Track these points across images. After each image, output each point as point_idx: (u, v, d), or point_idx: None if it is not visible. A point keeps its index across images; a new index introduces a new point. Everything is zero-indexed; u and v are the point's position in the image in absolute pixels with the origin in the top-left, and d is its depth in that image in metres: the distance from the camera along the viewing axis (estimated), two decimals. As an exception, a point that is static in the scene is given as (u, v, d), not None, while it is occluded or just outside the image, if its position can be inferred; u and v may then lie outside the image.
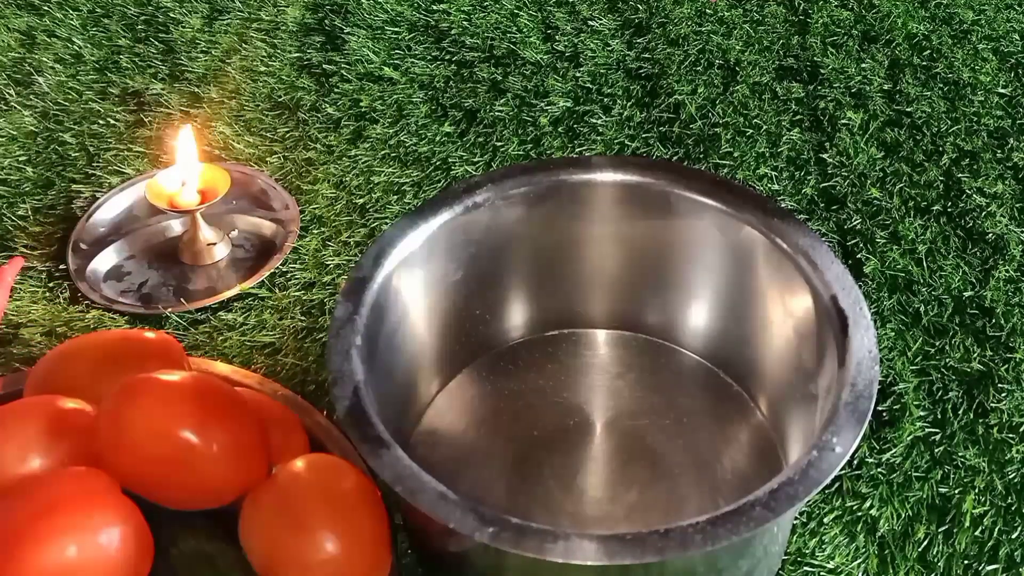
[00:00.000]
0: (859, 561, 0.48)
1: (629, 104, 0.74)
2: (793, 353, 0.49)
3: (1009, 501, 0.50)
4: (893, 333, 0.58)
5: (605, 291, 0.56)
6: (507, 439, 0.52)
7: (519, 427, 0.53)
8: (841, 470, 0.51)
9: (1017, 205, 0.65)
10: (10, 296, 0.61)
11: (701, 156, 0.70)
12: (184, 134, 0.64)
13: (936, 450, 0.52)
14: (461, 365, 0.55)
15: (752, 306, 0.51)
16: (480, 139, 0.72)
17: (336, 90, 0.76)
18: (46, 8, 0.86)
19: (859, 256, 0.62)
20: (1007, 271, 0.61)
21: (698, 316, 0.55)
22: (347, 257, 0.64)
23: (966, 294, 0.60)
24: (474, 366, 0.56)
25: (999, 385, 0.55)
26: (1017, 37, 0.79)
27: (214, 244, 0.65)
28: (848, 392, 0.41)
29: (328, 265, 0.63)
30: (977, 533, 0.49)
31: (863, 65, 0.77)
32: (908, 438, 0.53)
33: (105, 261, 0.65)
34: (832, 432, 0.40)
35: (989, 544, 0.49)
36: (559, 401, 0.54)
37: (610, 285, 0.56)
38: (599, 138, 0.72)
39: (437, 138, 0.72)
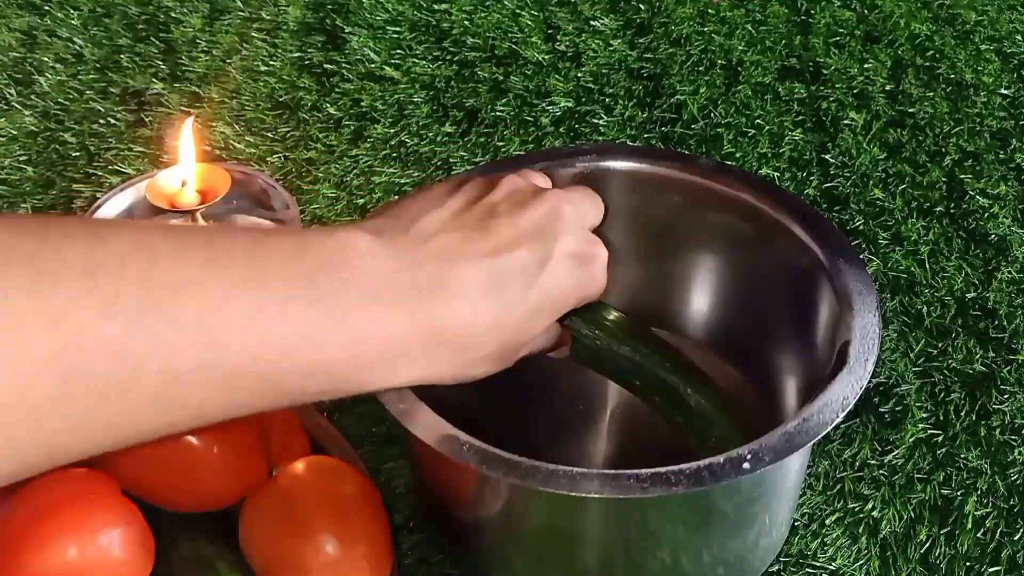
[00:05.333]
0: (861, 563, 0.48)
1: (631, 104, 0.74)
2: (802, 344, 0.49)
3: (1011, 503, 0.50)
4: (895, 334, 0.58)
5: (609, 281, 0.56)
6: (513, 425, 0.52)
7: (525, 414, 0.52)
8: (843, 472, 0.51)
9: (1020, 206, 0.65)
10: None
11: (703, 156, 0.70)
12: (185, 129, 0.64)
13: (938, 452, 0.52)
14: None
15: (758, 296, 0.51)
16: (481, 139, 0.72)
17: (337, 90, 0.76)
18: (47, 8, 0.86)
19: (861, 257, 0.62)
20: (1009, 272, 0.61)
21: (703, 306, 0.55)
22: (348, 257, 0.63)
23: (968, 295, 0.60)
24: None
25: (1001, 387, 0.55)
26: (1020, 38, 0.79)
27: (215, 244, 0.65)
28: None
29: (329, 265, 0.63)
30: (979, 535, 0.49)
31: (866, 65, 0.77)
32: (910, 440, 0.52)
33: (106, 261, 0.65)
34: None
35: (991, 546, 0.48)
36: (566, 388, 0.53)
37: (613, 276, 0.55)
38: (601, 138, 0.71)
39: (438, 138, 0.72)
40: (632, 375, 0.48)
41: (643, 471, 0.37)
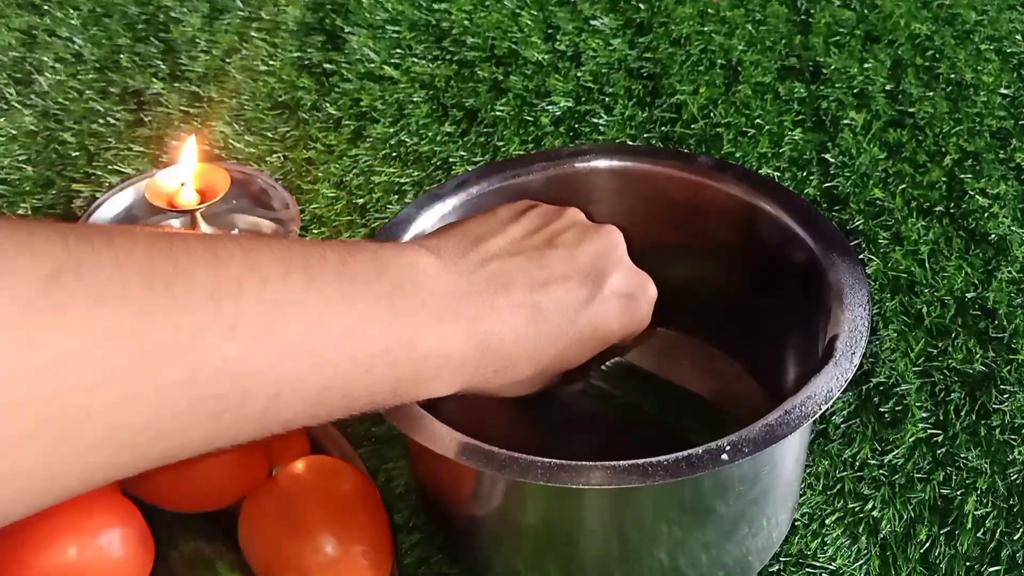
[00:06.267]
0: (861, 562, 0.48)
1: (631, 104, 0.74)
2: (798, 337, 0.49)
3: (1011, 502, 0.50)
4: (895, 334, 0.58)
5: None
6: (515, 427, 0.52)
7: (527, 415, 0.52)
8: (843, 472, 0.51)
9: (1020, 206, 0.65)
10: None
11: (703, 156, 0.70)
12: (189, 145, 0.64)
13: (938, 451, 0.52)
14: None
15: (755, 291, 0.51)
16: (481, 139, 0.72)
17: (337, 89, 0.76)
18: (46, 7, 0.86)
19: (861, 257, 0.62)
20: (1009, 272, 0.61)
21: (702, 301, 0.55)
22: (348, 257, 0.63)
23: (968, 295, 0.60)
24: None
25: (1001, 387, 0.55)
26: (1019, 37, 0.79)
27: (214, 244, 0.65)
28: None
29: (329, 265, 0.63)
30: (979, 534, 0.49)
31: (866, 65, 0.77)
32: (910, 439, 0.52)
33: (105, 261, 0.65)
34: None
35: (991, 546, 0.48)
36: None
37: None
38: (600, 138, 0.71)
39: (438, 138, 0.72)
40: (629, 412, 0.49)
41: (621, 462, 0.37)
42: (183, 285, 0.30)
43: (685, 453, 0.37)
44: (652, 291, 0.45)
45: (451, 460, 0.38)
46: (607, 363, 0.48)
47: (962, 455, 0.52)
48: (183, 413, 0.30)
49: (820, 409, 0.39)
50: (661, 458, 0.37)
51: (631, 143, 0.71)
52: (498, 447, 0.39)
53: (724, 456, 0.37)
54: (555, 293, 0.40)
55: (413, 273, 0.38)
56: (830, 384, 0.40)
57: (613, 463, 0.37)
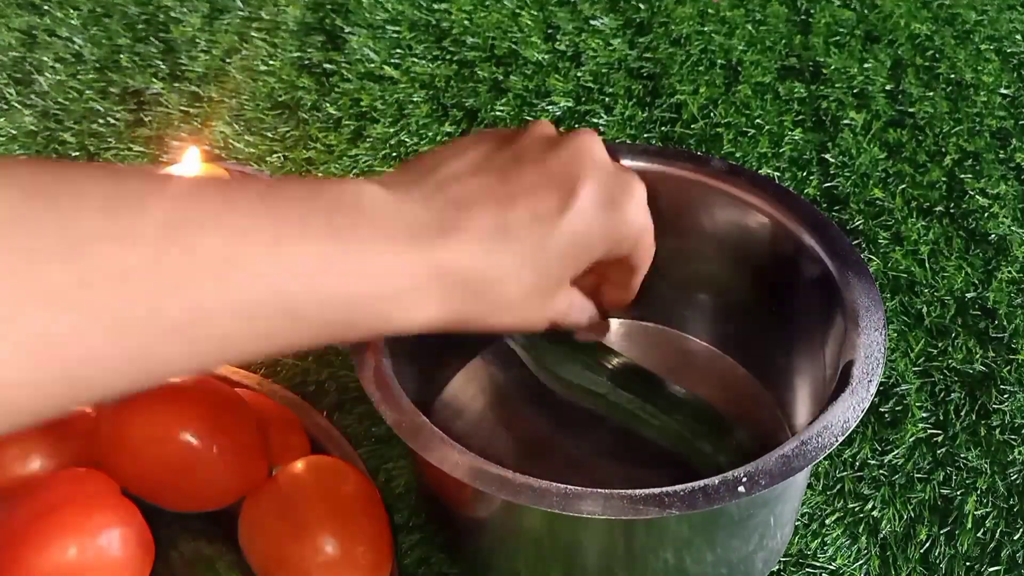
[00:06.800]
0: (861, 562, 0.48)
1: (631, 104, 0.74)
2: (811, 354, 0.49)
3: (1011, 503, 0.50)
4: (896, 334, 0.58)
5: None
6: (518, 422, 0.52)
7: (531, 411, 0.52)
8: (843, 472, 0.51)
9: (1020, 206, 0.65)
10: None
11: (703, 156, 0.70)
12: (190, 154, 0.64)
13: (938, 451, 0.52)
14: (475, 350, 0.55)
15: (768, 303, 0.51)
16: (481, 139, 0.72)
17: (337, 89, 0.76)
18: (46, 7, 0.86)
19: (867, 266, 0.62)
20: (1009, 272, 0.61)
21: (716, 311, 0.55)
22: (348, 257, 0.63)
23: (968, 295, 0.60)
24: (488, 351, 0.55)
25: (1001, 387, 0.55)
26: (1019, 37, 0.79)
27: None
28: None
29: (329, 265, 0.63)
30: (979, 534, 0.49)
31: (866, 65, 0.77)
32: (910, 439, 0.52)
33: (105, 261, 0.65)
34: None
35: (991, 546, 0.48)
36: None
37: None
38: (600, 137, 0.71)
39: (438, 138, 0.72)
40: (630, 419, 0.49)
41: (637, 492, 0.37)
42: (69, 198, 0.29)
43: (701, 484, 0.37)
44: (638, 190, 0.41)
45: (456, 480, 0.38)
46: (613, 363, 0.48)
47: (962, 455, 0.52)
48: (79, 323, 0.29)
49: (836, 441, 0.38)
50: (677, 488, 0.37)
51: (648, 144, 0.71)
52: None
53: (741, 488, 0.37)
54: (524, 205, 0.38)
55: (354, 197, 0.35)
56: (847, 415, 0.39)
57: (629, 492, 0.37)
